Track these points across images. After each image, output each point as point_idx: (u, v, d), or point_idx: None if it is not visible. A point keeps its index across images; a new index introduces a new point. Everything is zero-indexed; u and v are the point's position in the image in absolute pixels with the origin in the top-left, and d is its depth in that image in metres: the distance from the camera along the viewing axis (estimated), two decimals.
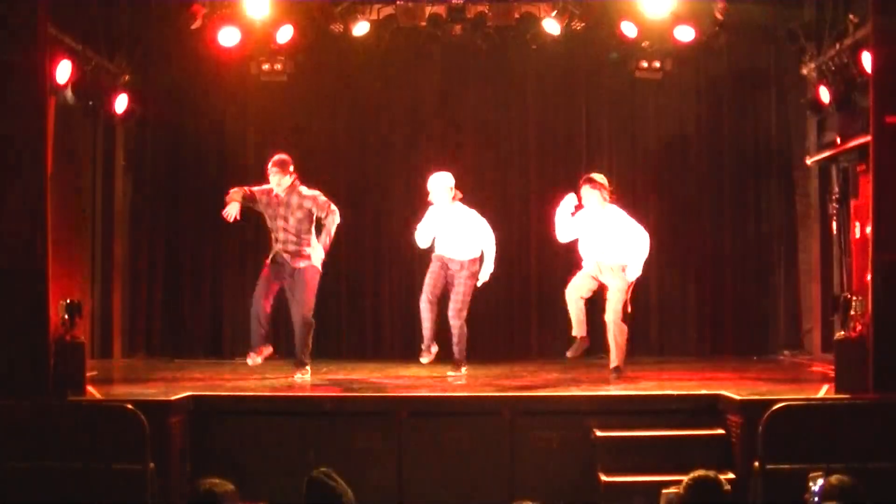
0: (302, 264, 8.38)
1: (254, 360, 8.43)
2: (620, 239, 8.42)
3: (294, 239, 8.40)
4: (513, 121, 10.92)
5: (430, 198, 8.83)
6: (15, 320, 6.62)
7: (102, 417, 6.52)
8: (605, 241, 8.44)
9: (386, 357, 10.40)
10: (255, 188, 8.53)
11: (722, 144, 10.84)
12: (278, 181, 8.35)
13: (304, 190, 8.46)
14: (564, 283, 8.73)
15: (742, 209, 10.79)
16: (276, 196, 8.41)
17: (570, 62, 10.75)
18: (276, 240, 8.46)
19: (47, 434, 6.33)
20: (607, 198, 8.47)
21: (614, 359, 8.44)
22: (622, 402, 7.39)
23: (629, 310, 8.49)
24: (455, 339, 8.78)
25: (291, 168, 8.43)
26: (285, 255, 8.41)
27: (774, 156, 10.81)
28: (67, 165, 9.42)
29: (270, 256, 8.49)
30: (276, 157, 8.46)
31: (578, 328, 8.52)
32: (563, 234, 8.60)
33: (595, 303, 8.70)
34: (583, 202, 8.49)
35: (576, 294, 8.51)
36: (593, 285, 8.53)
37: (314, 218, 8.47)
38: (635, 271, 8.42)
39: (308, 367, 8.48)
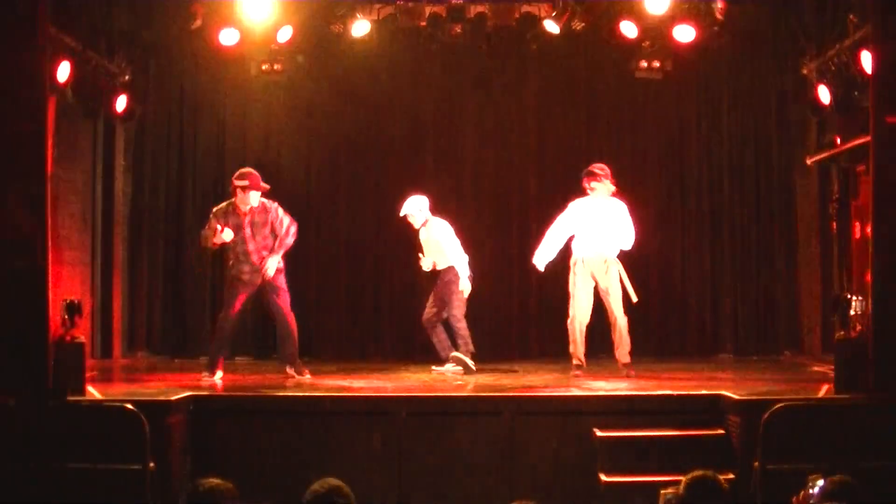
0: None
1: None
2: (622, 230, 8.56)
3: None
4: (513, 121, 10.92)
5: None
6: (15, 320, 6.62)
7: (102, 417, 6.52)
8: (611, 233, 8.51)
9: (386, 358, 10.40)
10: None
11: (722, 144, 10.84)
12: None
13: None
14: (564, 283, 8.73)
15: (742, 209, 10.79)
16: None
17: (570, 62, 10.76)
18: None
19: (47, 434, 6.34)
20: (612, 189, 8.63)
21: (626, 354, 8.54)
22: (622, 402, 7.39)
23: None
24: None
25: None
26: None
27: (774, 156, 10.81)
28: (67, 165, 9.43)
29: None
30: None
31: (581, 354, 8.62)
32: (544, 260, 8.67)
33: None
34: (591, 193, 8.57)
35: (587, 318, 8.58)
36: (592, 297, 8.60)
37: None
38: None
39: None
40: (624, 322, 8.55)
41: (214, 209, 8.52)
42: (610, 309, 8.56)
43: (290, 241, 8.50)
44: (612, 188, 8.67)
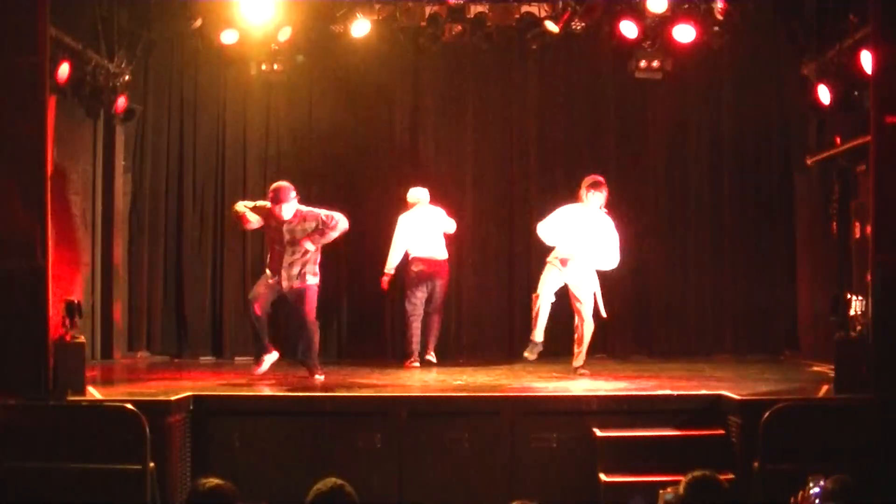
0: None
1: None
2: (608, 244, 8.54)
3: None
4: (513, 121, 10.92)
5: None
6: (15, 320, 6.62)
7: (102, 417, 6.52)
8: (599, 244, 8.50)
9: (386, 358, 10.40)
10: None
11: (722, 144, 10.84)
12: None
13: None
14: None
15: (742, 209, 10.79)
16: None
17: (570, 62, 10.77)
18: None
19: (47, 434, 6.34)
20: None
21: (581, 359, 8.58)
22: (622, 402, 7.38)
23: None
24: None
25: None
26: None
27: (774, 156, 10.81)
28: (67, 165, 9.43)
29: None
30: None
31: (541, 333, 8.60)
32: (553, 238, 8.64)
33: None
34: (587, 202, 8.53)
35: (551, 297, 8.56)
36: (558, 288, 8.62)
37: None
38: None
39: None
40: (590, 330, 8.53)
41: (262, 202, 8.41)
42: (577, 313, 8.56)
43: (334, 233, 8.38)
44: (603, 201, 8.62)
